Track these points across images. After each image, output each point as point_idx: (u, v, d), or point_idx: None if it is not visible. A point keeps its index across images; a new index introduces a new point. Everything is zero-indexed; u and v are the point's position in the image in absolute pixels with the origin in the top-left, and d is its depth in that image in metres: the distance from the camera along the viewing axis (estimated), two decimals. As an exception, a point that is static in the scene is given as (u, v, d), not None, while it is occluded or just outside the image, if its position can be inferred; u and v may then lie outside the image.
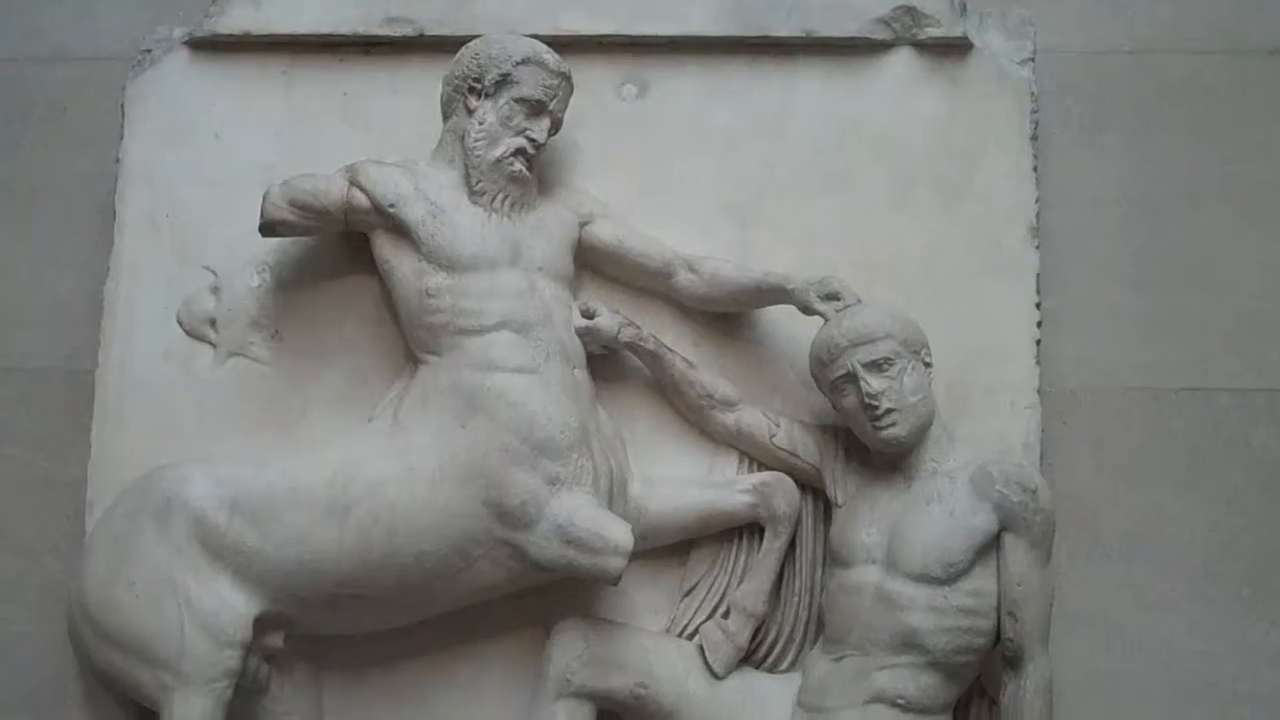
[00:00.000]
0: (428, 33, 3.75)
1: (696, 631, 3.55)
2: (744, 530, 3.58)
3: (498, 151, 3.51)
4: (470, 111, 3.54)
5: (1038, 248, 3.64)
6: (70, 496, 3.77)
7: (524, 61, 3.53)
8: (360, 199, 3.49)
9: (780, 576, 3.55)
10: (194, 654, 3.34)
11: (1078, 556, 3.66)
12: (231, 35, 3.81)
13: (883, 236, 3.69)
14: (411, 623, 3.55)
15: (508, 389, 3.38)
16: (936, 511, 3.35)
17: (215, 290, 3.73)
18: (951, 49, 3.73)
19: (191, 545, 3.40)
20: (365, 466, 3.41)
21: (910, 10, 3.74)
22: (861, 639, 3.35)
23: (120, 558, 3.41)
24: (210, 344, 3.72)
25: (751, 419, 3.57)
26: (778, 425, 3.56)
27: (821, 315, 3.48)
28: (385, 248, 3.52)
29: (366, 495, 3.38)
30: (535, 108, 3.54)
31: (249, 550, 3.39)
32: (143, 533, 3.42)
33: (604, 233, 3.64)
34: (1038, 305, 3.61)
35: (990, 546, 3.33)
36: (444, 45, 3.68)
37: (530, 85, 3.53)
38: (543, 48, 3.58)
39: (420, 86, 3.72)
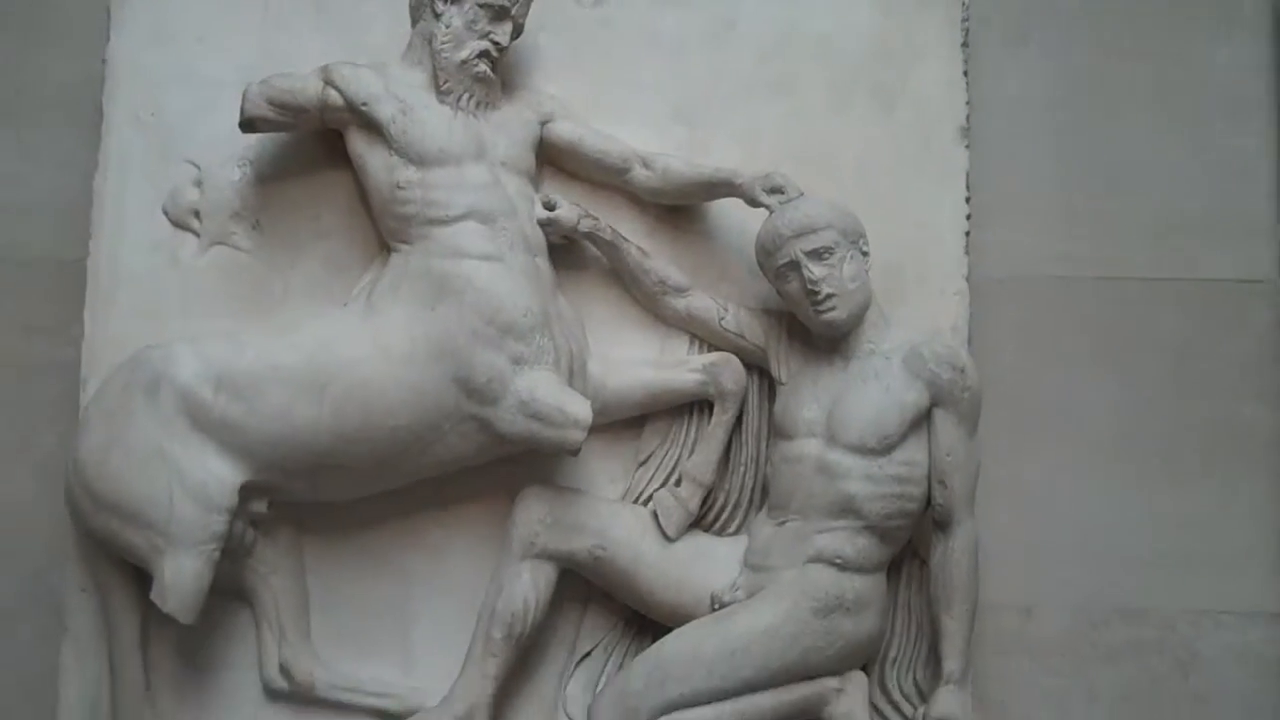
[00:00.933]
0: (398, -58, 3.77)
1: (651, 498, 3.64)
2: (694, 406, 3.66)
3: (463, 54, 3.59)
4: (437, 16, 3.61)
5: (968, 148, 3.73)
6: (66, 376, 3.83)
7: None
8: (335, 97, 3.57)
9: (728, 448, 3.65)
10: (183, 519, 3.42)
11: (1001, 430, 3.74)
12: (214, -59, 3.84)
13: (823, 136, 3.78)
14: (386, 491, 3.62)
15: (474, 275, 3.47)
16: (873, 388, 3.48)
17: (199, 184, 3.78)
18: (888, -38, 3.81)
19: (180, 419, 3.48)
20: (341, 346, 3.50)
21: (849, -77, 3.80)
22: (803, 505, 3.48)
23: (113, 431, 3.49)
24: (194, 234, 3.77)
25: (701, 304, 3.66)
26: (726, 310, 3.66)
27: (766, 207, 3.57)
28: (359, 144, 3.60)
29: (342, 373, 3.47)
30: (498, 13, 3.61)
31: (234, 424, 3.47)
32: (134, 407, 3.49)
33: (564, 131, 3.71)
34: (967, 200, 3.71)
35: (921, 420, 3.47)
36: (414, -47, 3.70)
37: None
38: None
39: (390, -8, 3.74)
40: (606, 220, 3.70)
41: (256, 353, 3.55)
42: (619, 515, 3.61)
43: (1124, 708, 3.74)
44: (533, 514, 3.57)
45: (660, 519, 3.59)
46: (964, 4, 3.80)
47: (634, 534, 3.59)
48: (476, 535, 3.68)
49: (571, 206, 3.66)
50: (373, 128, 3.58)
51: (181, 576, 3.43)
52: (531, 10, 3.69)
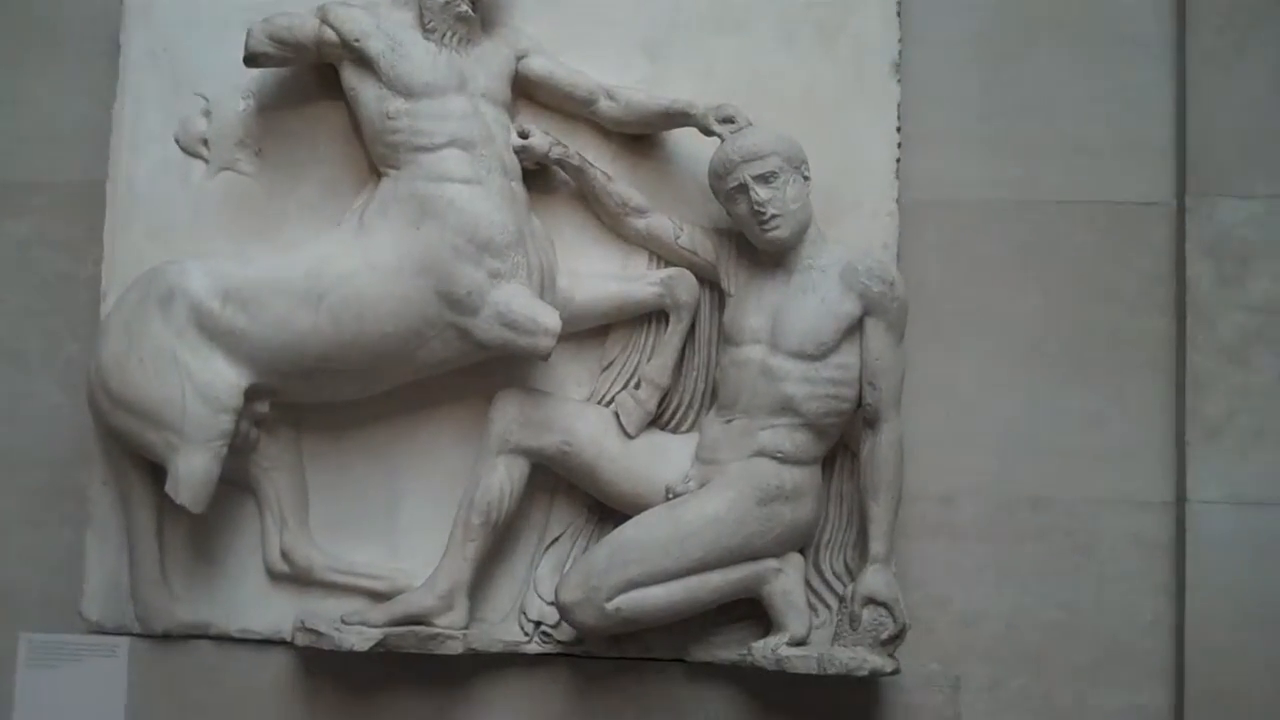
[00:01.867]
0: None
1: (613, 400, 3.82)
2: (653, 316, 3.84)
3: None
4: None
5: (899, 82, 3.88)
6: (88, 289, 4.03)
7: None
8: (330, 34, 3.74)
9: (682, 354, 3.82)
10: (194, 418, 3.63)
11: (927, 337, 3.89)
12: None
13: (771, 71, 3.93)
14: (377, 393, 3.81)
15: (456, 197, 3.64)
16: (811, 300, 3.67)
17: (207, 114, 3.97)
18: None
19: (190, 328, 3.68)
20: (336, 262, 3.68)
21: None
22: (748, 405, 3.67)
23: (131, 339, 3.70)
24: (203, 159, 3.96)
25: (659, 223, 3.83)
26: (681, 229, 3.83)
27: (719, 136, 3.76)
28: (351, 77, 3.78)
29: (337, 285, 3.66)
30: None
31: (239, 332, 3.68)
32: (149, 317, 3.70)
33: (537, 65, 3.87)
34: (898, 130, 3.87)
35: (854, 328, 3.66)
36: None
37: None
38: None
39: (382, -63, 3.85)
40: (575, 148, 3.83)
41: (259, 268, 3.74)
42: (584, 414, 3.79)
43: (1031, 586, 3.90)
44: (507, 413, 3.75)
45: (621, 418, 3.77)
46: (899, -54, 3.91)
47: (597, 432, 3.77)
48: (459, 434, 3.85)
49: (543, 135, 3.81)
50: (364, 63, 3.74)
51: (193, 471, 3.63)
52: (511, -47, 3.80)
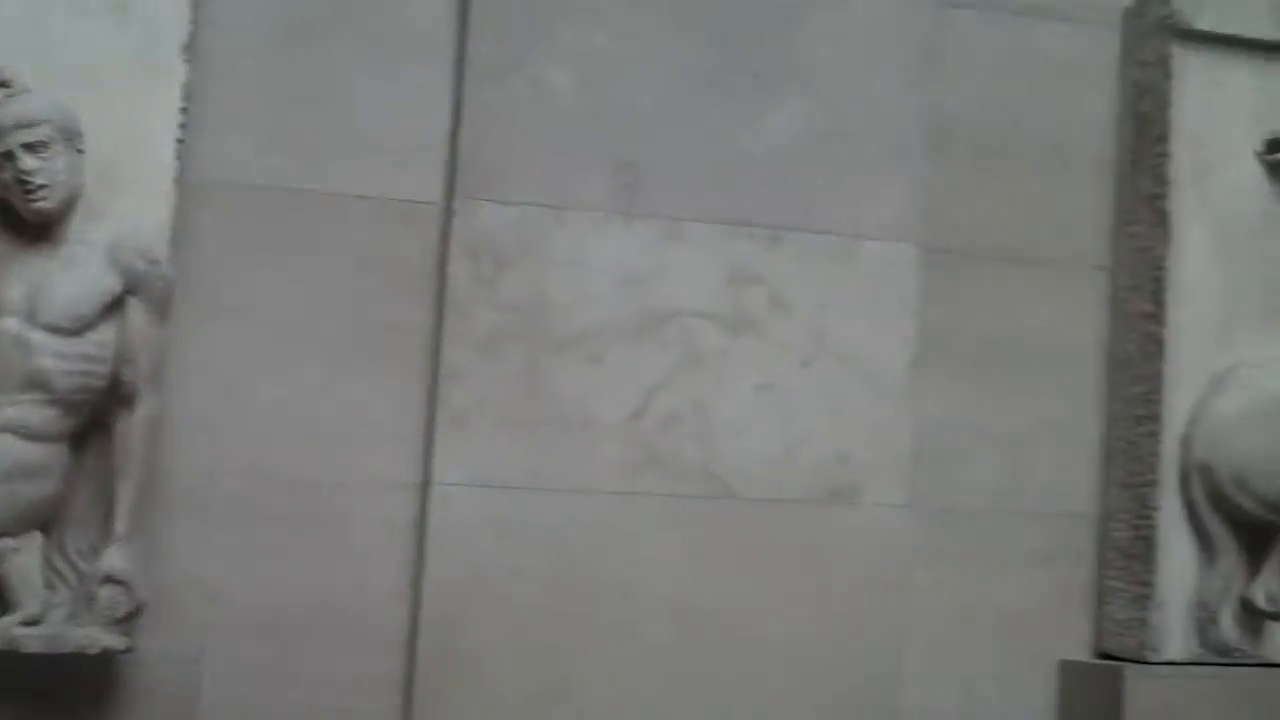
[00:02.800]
0: None
1: None
2: None
3: None
4: None
5: (188, 63, 3.83)
6: None
7: None
8: None
9: None
10: None
11: (197, 320, 3.88)
12: None
13: (60, 40, 3.79)
14: None
15: None
16: (75, 274, 3.60)
17: None
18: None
19: None
20: None
21: None
22: None
23: None
24: None
25: None
26: None
27: None
28: None
29: None
30: None
31: None
32: None
33: None
34: (183, 110, 3.81)
35: (116, 305, 3.61)
36: None
37: None
38: None
39: None
40: None
41: None
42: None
43: (284, 564, 3.96)
44: None
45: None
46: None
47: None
48: None
49: None
50: None
51: None
52: None
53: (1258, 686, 4.52)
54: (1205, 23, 4.58)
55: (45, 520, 3.65)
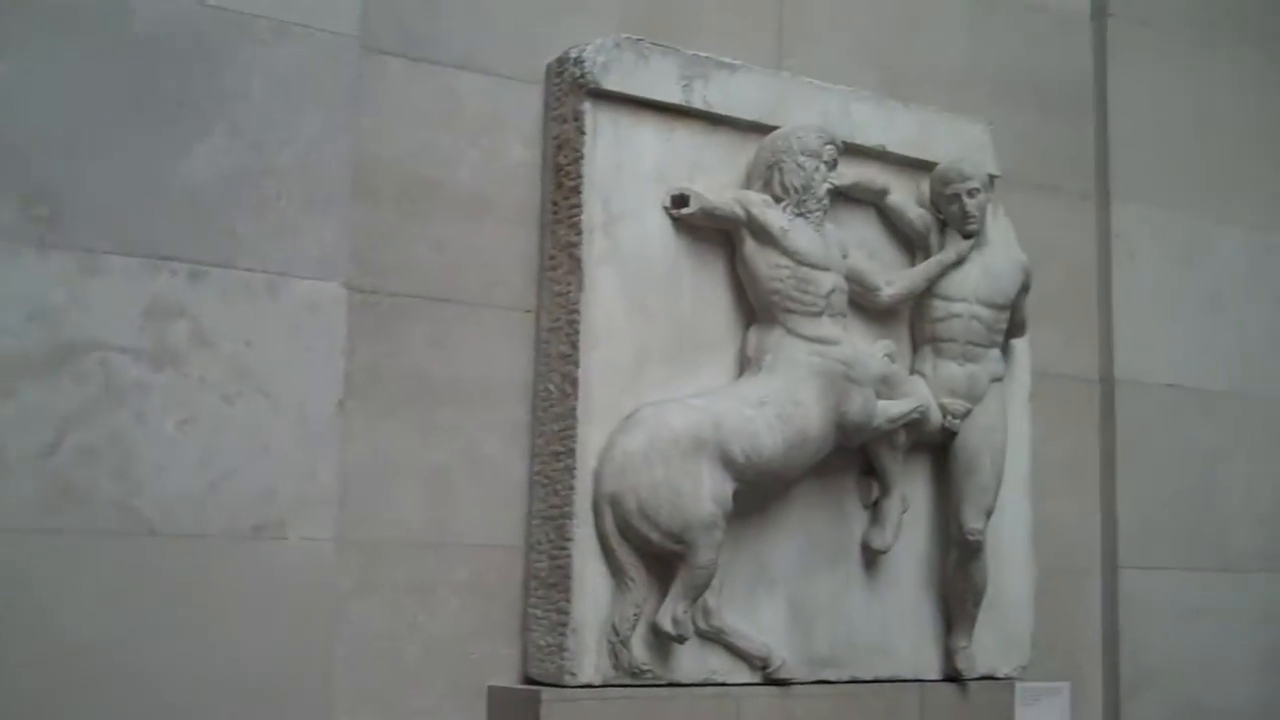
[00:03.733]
0: None
1: None
2: None
3: None
4: None
5: None
6: None
7: None
8: None
9: None
10: None
11: None
12: None
13: None
14: None
15: None
16: None
17: None
18: None
19: None
20: None
21: None
22: None
23: None
24: None
25: None
26: None
27: None
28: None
29: None
30: None
31: None
32: None
33: None
34: None
35: None
36: None
37: None
38: None
39: None
40: None
41: None
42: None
43: None
44: None
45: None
46: None
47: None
48: None
49: None
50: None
51: None
52: None
53: (665, 706, 4.76)
54: (613, 83, 4.84)
55: None
